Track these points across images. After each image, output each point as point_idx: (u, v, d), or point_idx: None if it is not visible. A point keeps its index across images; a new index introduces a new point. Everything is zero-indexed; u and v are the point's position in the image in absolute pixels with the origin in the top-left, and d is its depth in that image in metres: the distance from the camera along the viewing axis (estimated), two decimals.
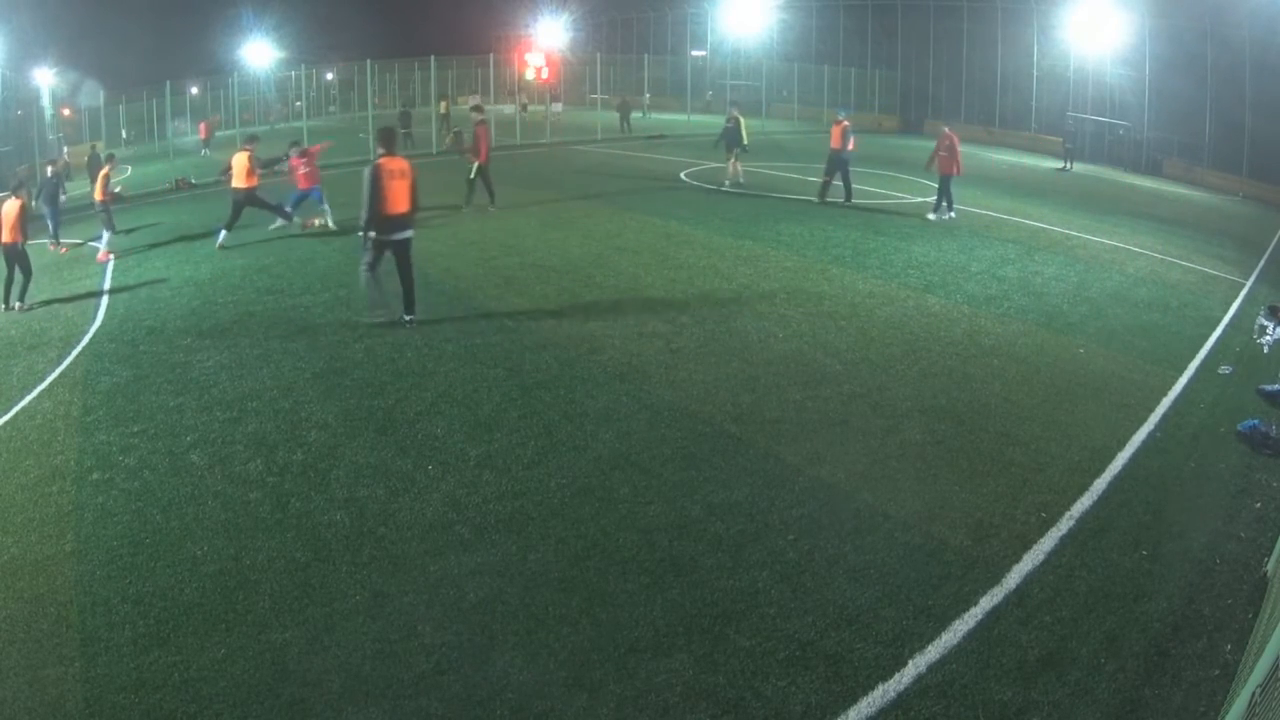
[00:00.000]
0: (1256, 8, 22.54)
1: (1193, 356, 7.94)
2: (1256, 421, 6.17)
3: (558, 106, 37.28)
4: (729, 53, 41.62)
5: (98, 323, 9.01)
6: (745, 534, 4.69)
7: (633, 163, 22.06)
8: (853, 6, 37.60)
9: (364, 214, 7.91)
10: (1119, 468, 5.59)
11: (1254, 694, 2.67)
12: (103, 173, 13.37)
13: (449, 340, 7.87)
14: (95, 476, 5.45)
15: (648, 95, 38.88)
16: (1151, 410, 6.56)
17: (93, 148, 22.91)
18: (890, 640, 3.83)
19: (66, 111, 32.07)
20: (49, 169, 14.78)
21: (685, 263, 10.73)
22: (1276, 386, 6.93)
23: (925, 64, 35.56)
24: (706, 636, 3.85)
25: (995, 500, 5.11)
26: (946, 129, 14.66)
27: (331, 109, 42.29)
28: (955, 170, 14.12)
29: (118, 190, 15.06)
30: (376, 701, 3.48)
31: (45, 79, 29.80)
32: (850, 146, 14.96)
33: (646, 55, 39.62)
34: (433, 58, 27.14)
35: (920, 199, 15.83)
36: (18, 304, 9.95)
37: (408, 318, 8.25)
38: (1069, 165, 24.61)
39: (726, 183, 17.09)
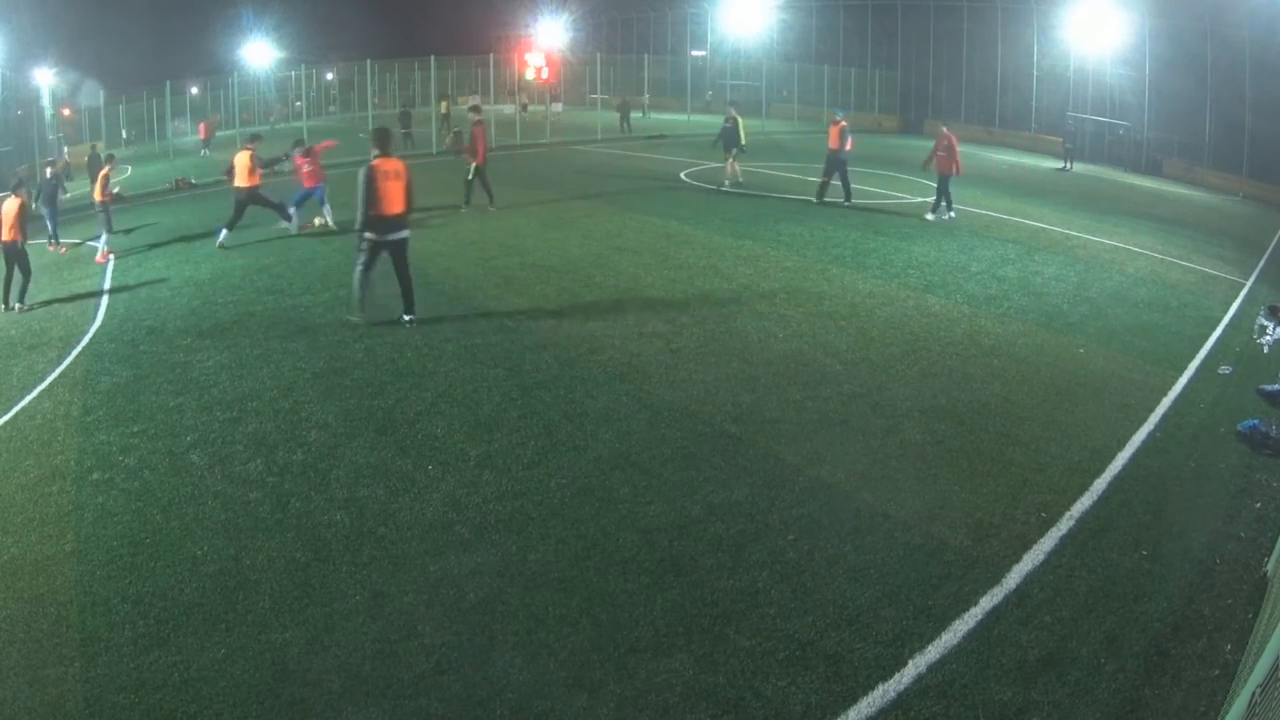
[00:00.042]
0: (1256, 8, 22.53)
1: (1193, 356, 7.94)
2: (1256, 421, 6.17)
3: (558, 106, 37.29)
4: (729, 53, 41.62)
5: (98, 323, 9.02)
6: (745, 534, 4.69)
7: (633, 163, 22.06)
8: (853, 6, 37.59)
9: (359, 215, 7.95)
10: (1119, 468, 5.59)
11: (1254, 694, 2.67)
12: (103, 173, 13.37)
13: (449, 340, 7.87)
14: (95, 476, 5.46)
15: (647, 95, 38.84)
16: (1151, 410, 6.56)
17: (93, 148, 22.93)
18: (890, 640, 3.83)
19: (66, 111, 32.07)
20: (48, 170, 14.78)
21: (685, 263, 10.73)
22: (1276, 386, 6.92)
23: (925, 64, 35.54)
24: (706, 636, 3.85)
25: (995, 500, 5.11)
26: (945, 129, 14.65)
27: (331, 109, 42.29)
28: (954, 170, 14.12)
29: (117, 190, 15.05)
30: (376, 701, 3.48)
31: (45, 79, 29.81)
32: (848, 146, 14.96)
33: (646, 55, 39.59)
34: (433, 58, 27.14)
35: (920, 199, 15.82)
36: (18, 304, 9.95)
37: (407, 318, 8.25)
38: (1069, 165, 24.60)
39: (726, 183, 17.09)
